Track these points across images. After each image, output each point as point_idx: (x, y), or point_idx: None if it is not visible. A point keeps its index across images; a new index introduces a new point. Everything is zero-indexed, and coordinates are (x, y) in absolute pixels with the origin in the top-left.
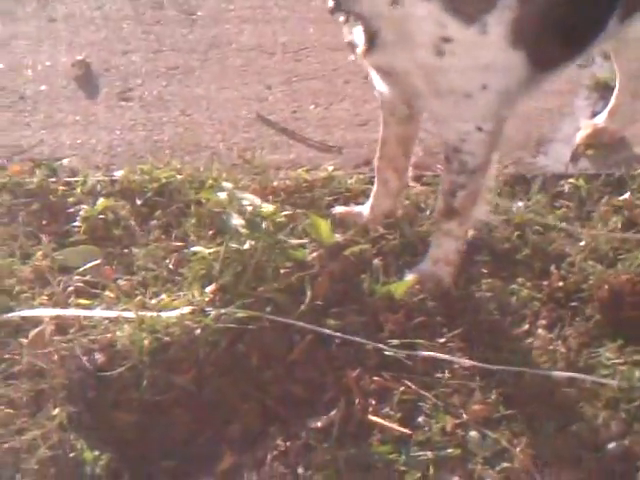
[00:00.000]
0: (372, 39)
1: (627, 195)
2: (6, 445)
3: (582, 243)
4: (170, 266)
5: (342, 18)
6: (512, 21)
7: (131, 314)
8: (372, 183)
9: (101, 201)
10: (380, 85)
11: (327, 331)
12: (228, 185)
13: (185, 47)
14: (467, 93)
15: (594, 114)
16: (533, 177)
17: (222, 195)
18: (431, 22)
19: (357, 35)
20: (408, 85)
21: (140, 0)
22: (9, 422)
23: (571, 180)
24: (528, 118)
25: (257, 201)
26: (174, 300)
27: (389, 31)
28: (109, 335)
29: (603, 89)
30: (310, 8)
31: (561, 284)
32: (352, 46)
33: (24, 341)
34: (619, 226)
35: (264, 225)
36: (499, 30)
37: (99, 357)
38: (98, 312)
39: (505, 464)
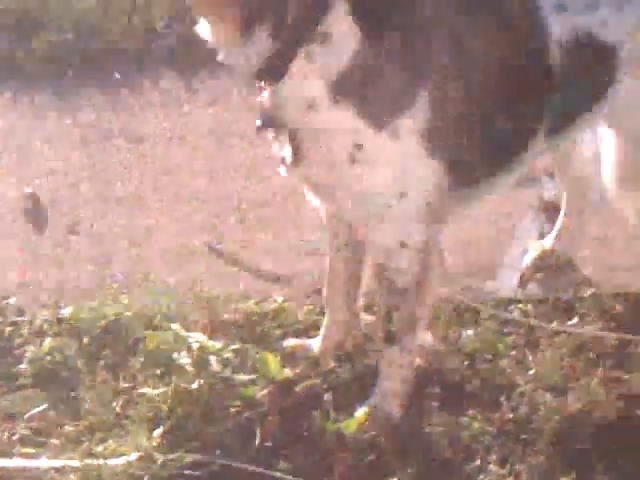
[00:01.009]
0: (297, 151)
1: (576, 319)
2: None
3: (531, 372)
4: (118, 409)
5: (272, 135)
6: (425, 127)
7: (77, 463)
8: (323, 313)
9: (48, 341)
10: (317, 202)
11: (278, 474)
12: (175, 325)
13: (135, 176)
14: (384, 203)
15: (542, 236)
16: (482, 303)
17: (169, 335)
18: (345, 127)
19: (285, 150)
20: (333, 198)
21: (89, 129)
22: None
23: (520, 305)
24: (474, 242)
25: (204, 338)
26: (121, 445)
27: (310, 140)
28: None
29: (550, 210)
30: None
31: (511, 416)
32: (283, 162)
33: None
34: (567, 352)
35: (212, 362)
36: (412, 136)
37: None
38: (43, 462)
39: None
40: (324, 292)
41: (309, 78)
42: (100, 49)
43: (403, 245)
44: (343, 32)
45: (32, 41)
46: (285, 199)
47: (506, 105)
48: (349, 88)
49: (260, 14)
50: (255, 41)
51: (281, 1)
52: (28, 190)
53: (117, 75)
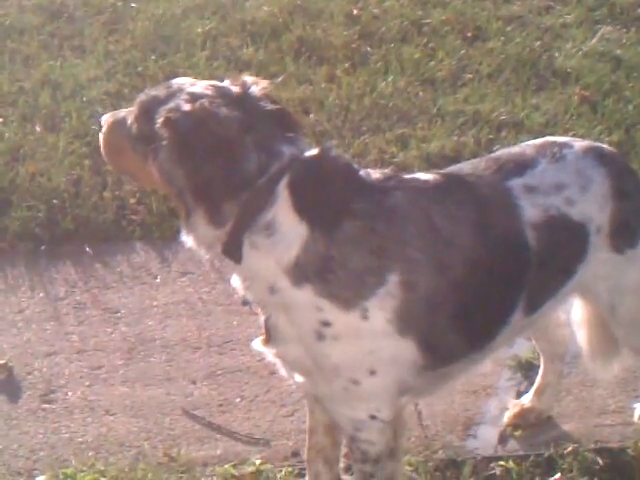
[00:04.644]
0: (269, 329)
1: (557, 475)
2: None
3: None
4: None
5: (251, 307)
6: (396, 308)
7: None
8: (301, 475)
9: None
10: (291, 375)
11: None
12: None
13: (109, 346)
14: (353, 379)
15: (519, 394)
16: (463, 461)
17: None
18: (308, 307)
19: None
20: (304, 373)
21: (63, 301)
22: None
23: (501, 462)
24: (453, 400)
25: None
26: None
27: (279, 318)
28: None
29: (526, 369)
30: (233, 301)
31: None
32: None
33: None
34: None
35: None
36: (382, 316)
37: None
38: None
39: None
40: (304, 455)
41: (261, 264)
42: (72, 224)
43: (373, 418)
44: (289, 223)
45: (3, 219)
46: (260, 363)
47: (485, 284)
48: (309, 272)
49: (193, 204)
50: (195, 228)
51: (213, 192)
52: (1, 361)
53: (89, 250)
